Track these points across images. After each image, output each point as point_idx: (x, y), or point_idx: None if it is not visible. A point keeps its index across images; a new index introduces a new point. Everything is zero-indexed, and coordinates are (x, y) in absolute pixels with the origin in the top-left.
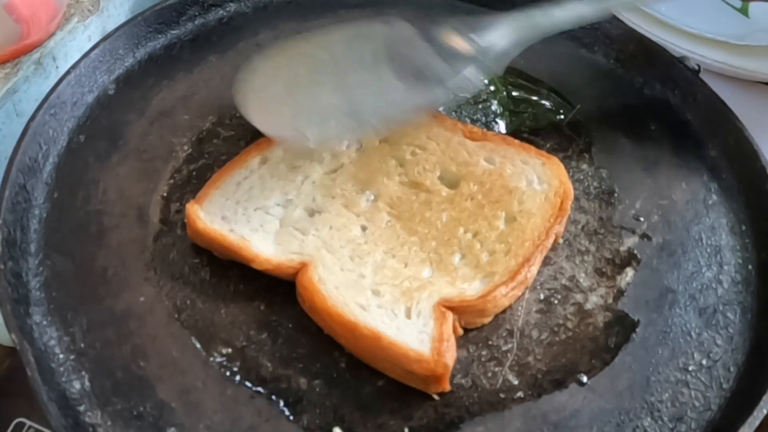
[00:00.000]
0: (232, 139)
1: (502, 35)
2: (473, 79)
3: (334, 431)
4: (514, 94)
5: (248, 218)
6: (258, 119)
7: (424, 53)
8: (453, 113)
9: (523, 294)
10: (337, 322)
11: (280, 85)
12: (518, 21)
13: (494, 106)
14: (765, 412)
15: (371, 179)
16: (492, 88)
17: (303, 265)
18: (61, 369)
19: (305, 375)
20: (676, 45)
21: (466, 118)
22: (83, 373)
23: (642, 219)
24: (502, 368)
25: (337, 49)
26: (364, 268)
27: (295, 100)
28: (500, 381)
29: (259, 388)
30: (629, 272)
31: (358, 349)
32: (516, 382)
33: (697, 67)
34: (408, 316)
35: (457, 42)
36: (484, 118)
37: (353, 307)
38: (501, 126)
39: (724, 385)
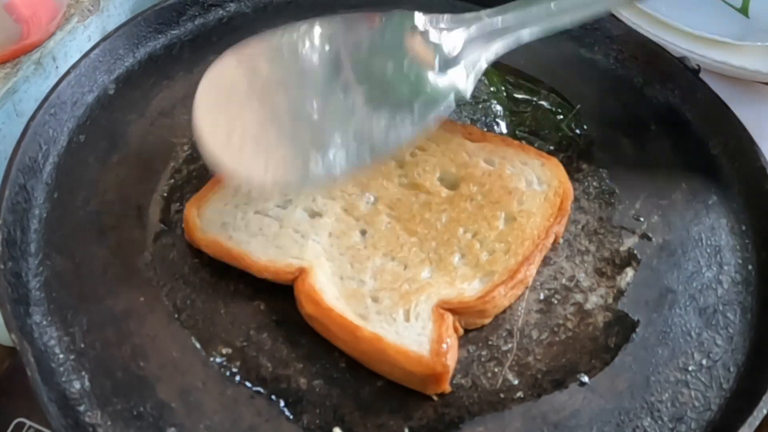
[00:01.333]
0: None
1: (471, 41)
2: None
3: (334, 431)
4: (514, 94)
5: (247, 223)
6: (210, 147)
7: (393, 68)
8: (453, 114)
9: (523, 294)
10: (338, 326)
11: (236, 108)
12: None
13: (494, 106)
14: (765, 412)
15: (371, 180)
16: (492, 88)
17: (302, 271)
18: (61, 369)
19: (305, 375)
20: (676, 45)
21: (467, 119)
22: (83, 373)
23: (642, 219)
24: (502, 368)
25: (294, 58)
26: (363, 274)
27: (254, 131)
28: (500, 381)
29: (259, 388)
30: (629, 272)
31: (357, 352)
32: (516, 382)
33: (697, 67)
34: (407, 319)
35: (425, 56)
36: (484, 118)
37: (353, 317)
38: (502, 126)
39: (724, 385)
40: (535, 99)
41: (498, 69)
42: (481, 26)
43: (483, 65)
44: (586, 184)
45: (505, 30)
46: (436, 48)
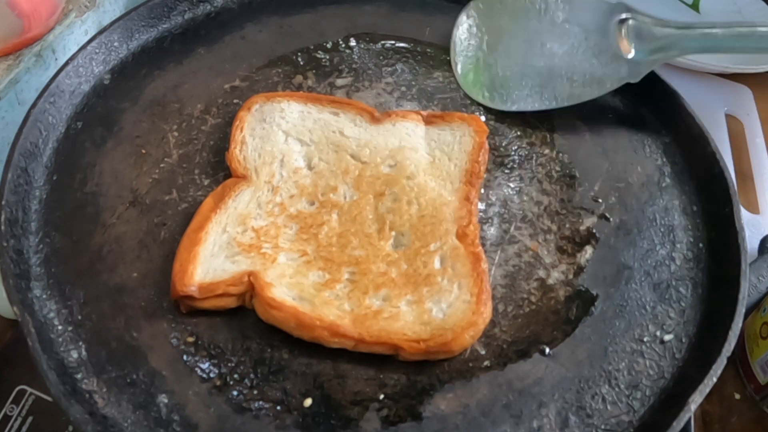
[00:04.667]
0: (218, 125)
1: (656, 51)
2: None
3: (305, 402)
4: None
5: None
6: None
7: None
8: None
9: (490, 270)
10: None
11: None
12: (676, 40)
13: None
14: (715, 380)
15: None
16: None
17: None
18: (60, 339)
19: (288, 346)
20: None
21: (436, 107)
22: (80, 343)
23: (600, 200)
24: None
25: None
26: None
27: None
28: (468, 351)
29: (244, 358)
30: (588, 250)
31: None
32: (483, 352)
33: None
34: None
35: (624, 44)
36: (463, 109)
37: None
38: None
39: (677, 355)
40: None
41: None
42: (672, 37)
43: (655, 65)
44: (549, 168)
45: (685, 43)
46: (635, 40)
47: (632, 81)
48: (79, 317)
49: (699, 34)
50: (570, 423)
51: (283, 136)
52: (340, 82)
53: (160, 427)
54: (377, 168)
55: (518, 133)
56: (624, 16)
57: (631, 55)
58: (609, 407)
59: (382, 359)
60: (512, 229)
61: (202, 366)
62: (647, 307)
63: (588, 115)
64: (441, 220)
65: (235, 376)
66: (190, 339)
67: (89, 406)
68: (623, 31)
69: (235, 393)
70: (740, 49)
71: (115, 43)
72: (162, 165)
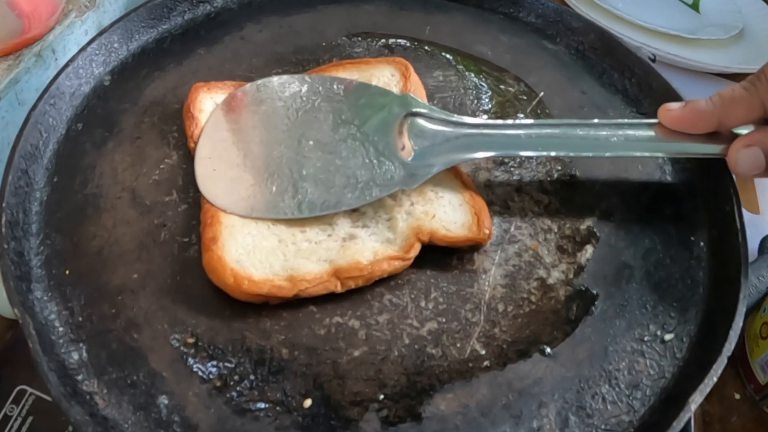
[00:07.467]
0: None
1: (441, 153)
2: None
3: (305, 403)
4: (481, 82)
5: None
6: (210, 190)
7: (379, 143)
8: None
9: (490, 270)
10: None
11: (236, 149)
12: (461, 142)
13: (470, 92)
14: (715, 380)
15: None
16: (467, 74)
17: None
18: (60, 341)
19: (287, 346)
20: (632, 39)
21: (438, 104)
22: (81, 344)
23: (600, 200)
24: (470, 339)
25: (296, 104)
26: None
27: (250, 168)
28: (468, 351)
29: (244, 359)
30: (589, 249)
31: None
32: (483, 352)
33: (652, 57)
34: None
35: (405, 143)
36: (469, 102)
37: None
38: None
39: (677, 355)
40: (501, 86)
41: (468, 58)
42: (462, 138)
43: (434, 171)
44: (549, 167)
45: (476, 146)
46: (415, 140)
47: (406, 188)
48: (80, 319)
49: (487, 136)
50: (570, 423)
51: None
52: None
53: (160, 428)
54: None
55: None
56: (410, 110)
57: (410, 158)
58: (609, 407)
59: (381, 360)
60: (512, 228)
61: (202, 367)
62: (648, 306)
63: (589, 114)
64: None
65: (235, 376)
66: (191, 340)
67: (90, 407)
68: (405, 128)
69: (235, 394)
70: (552, 149)
71: (115, 44)
72: (162, 166)
